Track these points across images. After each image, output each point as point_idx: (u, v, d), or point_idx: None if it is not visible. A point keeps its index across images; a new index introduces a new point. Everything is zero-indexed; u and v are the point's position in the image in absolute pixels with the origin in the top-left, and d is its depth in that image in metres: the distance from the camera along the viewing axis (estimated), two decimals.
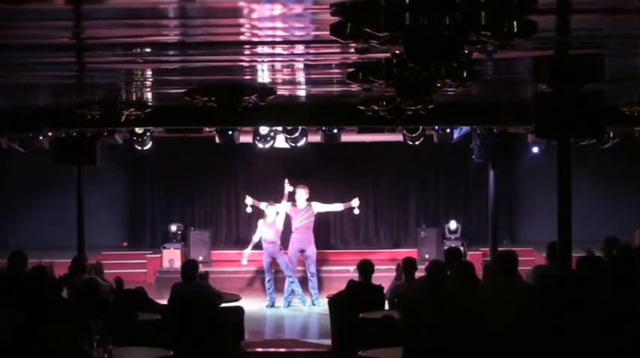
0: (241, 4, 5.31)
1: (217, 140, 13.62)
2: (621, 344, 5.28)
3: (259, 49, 7.08)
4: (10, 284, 8.16)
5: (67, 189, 14.01)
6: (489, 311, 6.22)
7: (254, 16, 5.68)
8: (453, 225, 16.88)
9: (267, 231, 14.06)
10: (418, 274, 9.34)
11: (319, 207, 14.40)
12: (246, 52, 7.21)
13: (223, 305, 9.68)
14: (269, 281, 14.09)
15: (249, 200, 14.70)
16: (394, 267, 10.10)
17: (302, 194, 14.29)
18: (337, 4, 4.82)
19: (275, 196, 18.27)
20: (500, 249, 12.79)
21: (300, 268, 14.55)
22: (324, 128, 13.25)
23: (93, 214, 13.88)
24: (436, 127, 13.35)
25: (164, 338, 7.74)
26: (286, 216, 14.27)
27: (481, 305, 6.73)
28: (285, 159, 16.97)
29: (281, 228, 14.23)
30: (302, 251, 14.13)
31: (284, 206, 14.23)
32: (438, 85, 6.37)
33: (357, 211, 14.72)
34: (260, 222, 14.32)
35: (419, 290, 8.13)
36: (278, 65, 8.20)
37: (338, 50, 6.71)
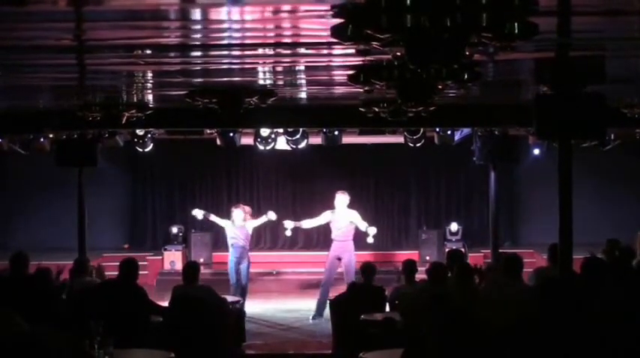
0: (241, 5, 5.32)
1: (218, 142, 13.64)
2: (623, 346, 5.27)
3: (260, 51, 7.08)
4: (12, 286, 8.16)
5: (68, 190, 14.02)
6: (490, 313, 6.21)
7: (254, 17, 5.69)
8: (454, 226, 16.89)
9: (237, 234, 13.26)
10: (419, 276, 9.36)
11: (356, 218, 13.35)
12: (247, 53, 7.21)
13: None
14: (236, 287, 13.08)
15: (198, 212, 13.92)
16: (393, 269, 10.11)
17: (342, 200, 13.34)
18: (339, 6, 4.82)
19: (275, 198, 18.39)
20: (503, 250, 12.79)
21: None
22: (325, 130, 13.25)
23: (94, 216, 13.87)
24: (437, 129, 13.36)
25: (165, 340, 7.74)
26: (326, 224, 13.49)
27: (482, 307, 6.73)
28: (286, 161, 17.02)
29: (250, 231, 13.47)
30: (339, 258, 13.23)
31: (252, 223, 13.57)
32: (439, 86, 6.37)
33: (370, 240, 13.63)
34: (228, 225, 13.42)
35: (419, 292, 8.13)
36: (279, 67, 8.20)
37: (339, 52, 6.71)
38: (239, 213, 13.44)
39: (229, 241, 13.40)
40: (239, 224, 13.37)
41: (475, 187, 17.33)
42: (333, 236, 13.36)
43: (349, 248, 13.28)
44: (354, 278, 12.61)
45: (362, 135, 14.15)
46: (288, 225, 13.69)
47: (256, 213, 14.61)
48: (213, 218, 13.86)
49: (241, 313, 10.45)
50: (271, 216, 13.76)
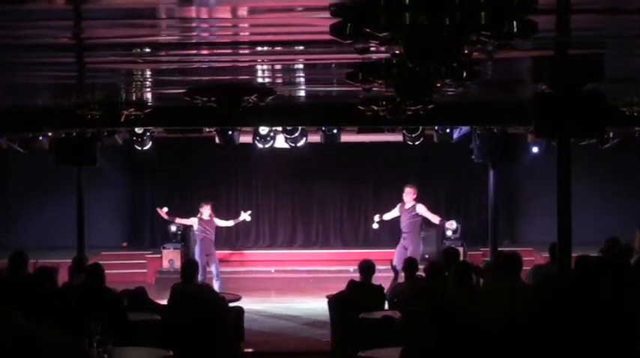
0: (240, 4, 5.32)
1: (217, 140, 13.63)
2: (622, 345, 5.28)
3: (259, 49, 7.07)
4: (11, 285, 8.15)
5: (67, 189, 14.02)
6: (489, 312, 6.21)
7: (253, 15, 5.68)
8: (453, 225, 16.88)
9: (206, 228, 14.16)
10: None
11: (423, 211, 14.19)
12: (246, 52, 7.21)
13: None
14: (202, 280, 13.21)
15: (162, 213, 14.96)
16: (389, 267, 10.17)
17: (408, 193, 14.22)
18: (337, 4, 4.82)
19: (274, 196, 18.39)
20: (502, 249, 12.79)
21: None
22: (323, 128, 13.26)
23: (93, 214, 13.88)
24: (436, 127, 13.36)
25: (164, 339, 7.74)
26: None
27: (480, 306, 6.73)
28: (285, 159, 17.01)
29: (217, 224, 14.41)
30: (406, 248, 13.79)
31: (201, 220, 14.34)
32: (438, 85, 6.37)
33: (449, 233, 14.71)
34: (195, 221, 14.36)
35: (418, 291, 8.13)
36: (278, 65, 8.20)
37: (337, 50, 6.71)
38: (208, 208, 14.33)
39: (199, 236, 14.19)
40: (207, 218, 14.20)
41: (474, 186, 17.32)
42: (402, 226, 14.14)
43: (414, 240, 14.00)
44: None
45: (361, 133, 14.17)
46: (377, 218, 14.51)
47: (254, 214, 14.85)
48: (178, 220, 14.93)
49: (240, 311, 10.44)
50: (246, 216, 14.80)
